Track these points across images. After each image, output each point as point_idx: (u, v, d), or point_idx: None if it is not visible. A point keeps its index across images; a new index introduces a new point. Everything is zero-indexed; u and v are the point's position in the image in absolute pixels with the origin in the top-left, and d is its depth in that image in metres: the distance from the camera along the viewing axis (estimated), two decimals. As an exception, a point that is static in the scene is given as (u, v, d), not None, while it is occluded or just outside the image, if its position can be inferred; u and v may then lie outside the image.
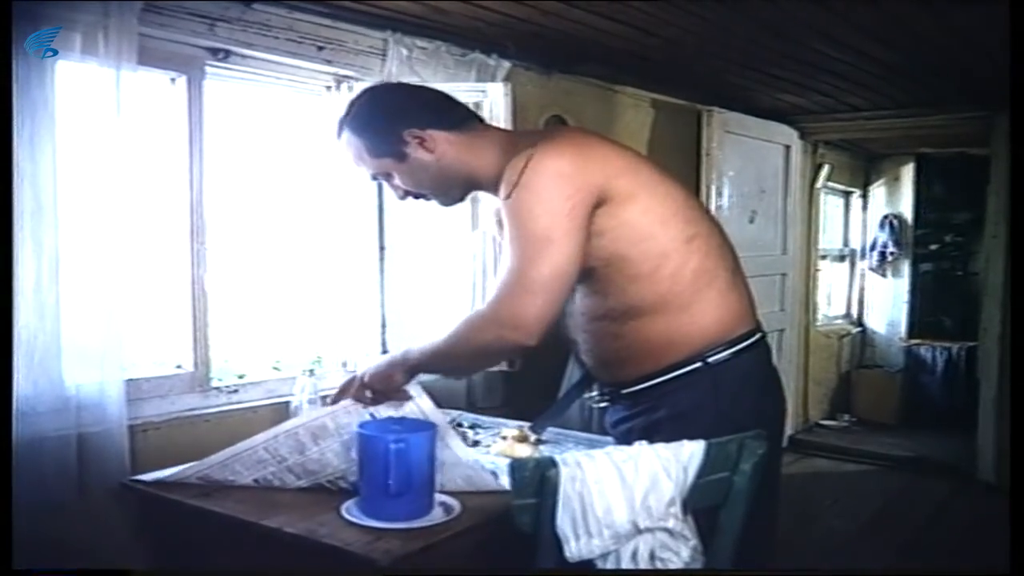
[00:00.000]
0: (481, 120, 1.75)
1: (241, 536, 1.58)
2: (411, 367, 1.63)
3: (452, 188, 1.70)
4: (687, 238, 1.59)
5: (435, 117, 1.64)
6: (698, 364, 1.59)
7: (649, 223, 1.57)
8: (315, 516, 1.54)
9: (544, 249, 1.48)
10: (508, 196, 1.53)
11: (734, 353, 1.60)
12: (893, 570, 3.21)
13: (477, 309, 1.58)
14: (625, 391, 1.67)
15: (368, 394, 1.65)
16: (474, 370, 1.63)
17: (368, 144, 1.65)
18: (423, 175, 1.66)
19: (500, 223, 1.71)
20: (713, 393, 1.58)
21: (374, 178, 1.72)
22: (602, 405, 1.78)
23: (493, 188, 1.65)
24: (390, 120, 1.64)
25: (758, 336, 1.66)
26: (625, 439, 1.66)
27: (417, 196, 1.71)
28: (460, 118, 1.67)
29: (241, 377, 2.57)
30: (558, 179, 1.50)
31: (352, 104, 1.71)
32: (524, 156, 1.53)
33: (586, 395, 1.84)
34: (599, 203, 1.53)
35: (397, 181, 1.68)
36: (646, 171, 1.63)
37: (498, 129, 1.83)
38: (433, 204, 1.74)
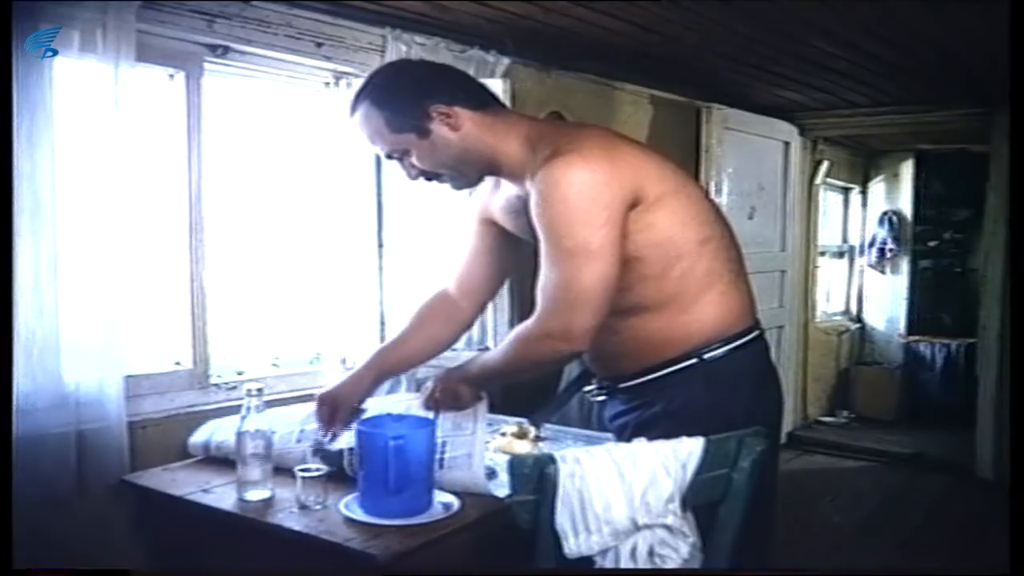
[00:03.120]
0: (504, 105, 1.74)
1: (240, 533, 1.59)
2: (474, 384, 1.69)
3: (470, 170, 1.67)
4: (702, 240, 1.59)
5: (462, 94, 1.61)
6: (693, 360, 1.60)
7: (671, 226, 1.57)
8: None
9: (586, 262, 1.48)
10: (539, 205, 1.52)
11: (730, 350, 1.60)
12: (893, 569, 3.21)
13: (526, 325, 1.58)
14: (622, 385, 1.69)
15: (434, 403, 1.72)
16: (529, 379, 1.69)
17: (390, 118, 1.60)
18: (444, 154, 1.62)
19: (509, 211, 1.71)
20: (707, 389, 1.59)
21: (389, 156, 1.66)
22: (600, 399, 1.79)
23: (513, 177, 1.64)
24: (416, 93, 1.59)
25: (755, 334, 1.66)
26: (622, 433, 1.69)
27: (431, 177, 1.67)
28: (485, 99, 1.65)
29: (240, 374, 2.57)
30: (592, 189, 1.48)
31: (373, 77, 1.67)
32: (553, 161, 1.51)
33: (585, 389, 1.84)
34: (631, 208, 1.53)
35: (414, 159, 1.63)
36: (671, 174, 1.62)
37: (522, 115, 1.80)
38: (444, 188, 1.72)
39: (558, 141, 1.56)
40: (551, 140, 1.58)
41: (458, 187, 1.73)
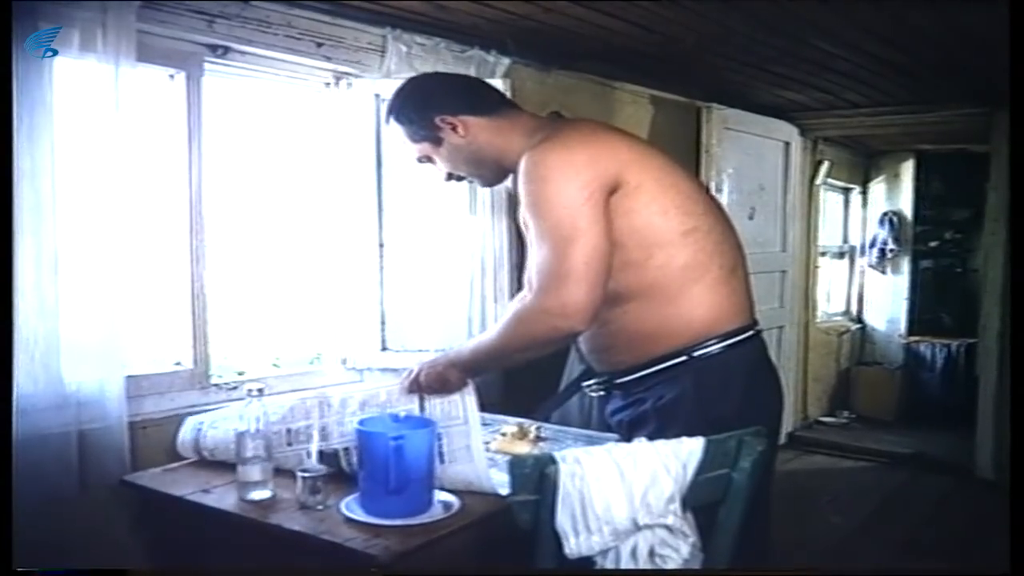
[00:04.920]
0: (515, 105, 1.85)
1: (241, 533, 1.59)
2: (465, 368, 1.68)
3: (486, 170, 1.79)
4: (684, 231, 1.61)
5: (466, 103, 1.74)
6: (683, 358, 1.61)
7: (650, 213, 1.59)
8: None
9: (572, 237, 1.52)
10: (523, 187, 1.59)
11: (721, 349, 1.61)
12: (893, 569, 3.21)
13: (523, 304, 1.61)
14: (617, 381, 1.71)
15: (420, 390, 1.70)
16: (523, 362, 1.70)
17: (407, 131, 1.78)
18: (458, 157, 1.76)
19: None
20: (696, 387, 1.60)
21: (419, 161, 1.82)
22: (599, 394, 1.82)
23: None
24: (423, 108, 1.75)
25: (749, 333, 1.66)
26: (619, 430, 1.73)
27: (459, 178, 1.83)
28: (492, 104, 1.77)
29: (240, 374, 2.57)
30: (569, 170, 1.54)
31: (395, 94, 1.82)
32: (535, 147, 1.60)
33: (584, 384, 1.85)
34: (611, 192, 1.56)
35: (438, 164, 1.80)
36: (654, 161, 1.66)
37: (530, 114, 1.86)
38: (448, 188, 1.89)
39: (549, 131, 1.66)
40: (545, 131, 1.67)
41: (484, 185, 1.90)
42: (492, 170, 1.79)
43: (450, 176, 1.82)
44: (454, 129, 1.72)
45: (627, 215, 1.57)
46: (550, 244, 1.54)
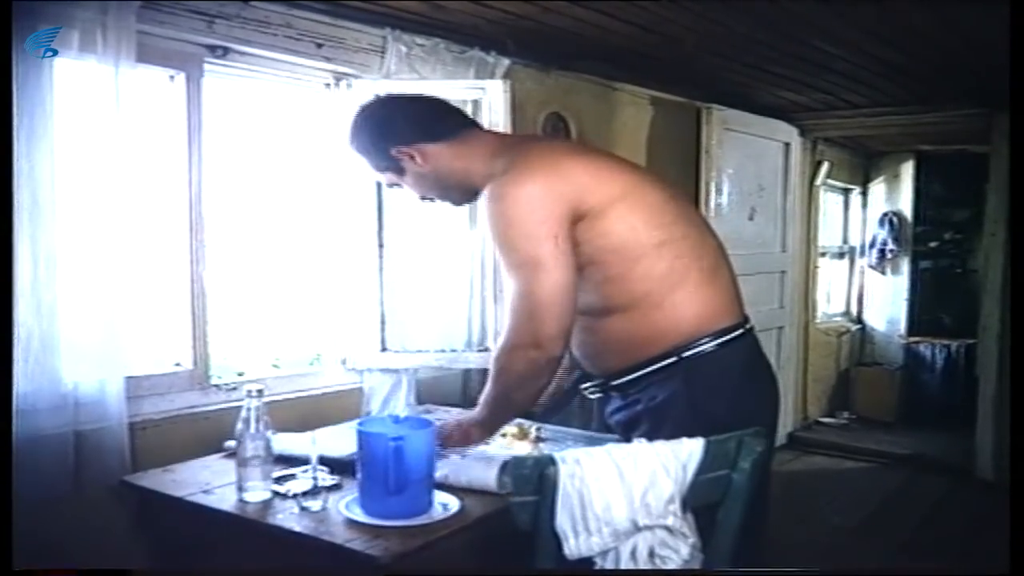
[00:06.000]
0: (476, 125, 1.83)
1: (240, 533, 1.59)
2: (483, 425, 1.77)
3: (453, 192, 1.79)
4: (656, 243, 1.63)
5: (420, 131, 1.72)
6: (673, 359, 1.62)
7: (622, 231, 1.62)
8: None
9: (535, 272, 1.55)
10: (488, 221, 1.62)
11: (711, 348, 1.63)
12: (892, 569, 3.21)
13: (499, 345, 1.66)
14: (612, 383, 1.73)
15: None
16: (532, 397, 1.72)
17: (368, 161, 1.78)
18: (424, 184, 1.77)
19: None
20: (687, 386, 1.61)
21: (390, 186, 1.83)
22: (595, 396, 1.83)
23: None
24: (378, 140, 1.74)
25: (740, 331, 1.67)
26: (616, 430, 1.75)
27: (431, 198, 1.83)
28: (450, 128, 1.74)
29: (240, 375, 2.56)
30: (528, 205, 1.56)
31: (350, 126, 1.80)
32: (498, 179, 1.61)
33: (582, 386, 1.86)
34: (576, 219, 1.58)
35: (407, 188, 1.80)
36: (618, 178, 1.67)
37: (492, 134, 1.89)
38: (440, 204, 1.86)
39: (511, 157, 1.65)
40: (507, 157, 1.66)
41: (455, 205, 1.87)
42: (460, 192, 1.78)
43: (423, 197, 1.82)
44: (412, 159, 1.71)
45: (600, 237, 1.60)
46: (516, 280, 1.58)
